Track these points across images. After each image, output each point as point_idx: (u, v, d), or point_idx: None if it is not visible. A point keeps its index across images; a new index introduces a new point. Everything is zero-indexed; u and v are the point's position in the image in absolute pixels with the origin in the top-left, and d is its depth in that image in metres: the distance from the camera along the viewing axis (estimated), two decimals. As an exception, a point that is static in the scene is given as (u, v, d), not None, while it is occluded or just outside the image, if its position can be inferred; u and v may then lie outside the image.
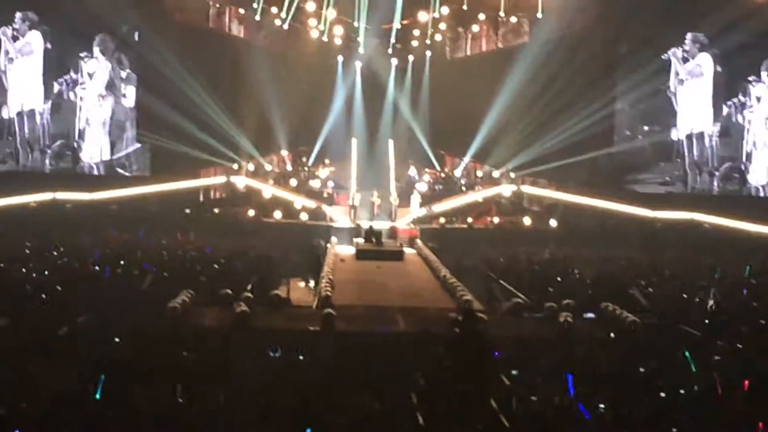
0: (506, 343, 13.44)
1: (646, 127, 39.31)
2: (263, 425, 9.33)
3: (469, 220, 37.83)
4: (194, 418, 9.39)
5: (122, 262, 22.89)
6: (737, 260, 26.91)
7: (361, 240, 33.80)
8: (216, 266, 23.52)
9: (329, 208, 38.74)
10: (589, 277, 23.37)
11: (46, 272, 20.37)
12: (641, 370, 11.90)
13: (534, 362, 12.35)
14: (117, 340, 12.91)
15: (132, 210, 35.12)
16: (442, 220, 37.86)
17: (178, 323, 14.87)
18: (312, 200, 39.11)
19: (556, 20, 39.54)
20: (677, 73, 38.06)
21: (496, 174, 43.14)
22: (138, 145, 39.03)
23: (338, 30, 44.14)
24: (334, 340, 14.41)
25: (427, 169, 46.84)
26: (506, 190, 40.73)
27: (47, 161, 37.84)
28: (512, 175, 41.90)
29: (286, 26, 43.13)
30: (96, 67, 38.11)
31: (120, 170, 38.93)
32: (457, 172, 46.28)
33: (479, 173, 45.14)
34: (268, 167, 43.99)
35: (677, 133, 38.45)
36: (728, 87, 37.67)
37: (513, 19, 43.42)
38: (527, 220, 37.99)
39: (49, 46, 37.02)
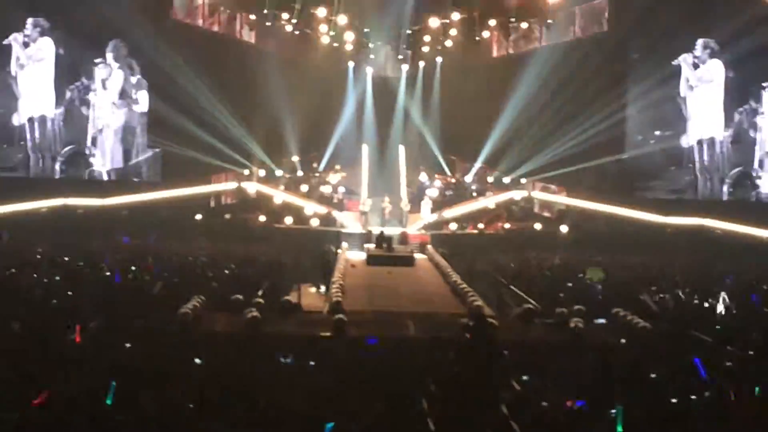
0: (517, 348, 13.42)
1: (657, 132, 39.25)
2: (273, 431, 9.34)
3: (480, 225, 37.83)
4: (204, 423, 9.39)
5: (133, 268, 22.95)
6: (748, 266, 26.85)
7: (371, 246, 33.82)
8: (227, 272, 23.57)
9: (340, 214, 38.78)
10: (599, 282, 23.34)
11: (57, 277, 20.39)
12: (652, 375, 11.87)
13: (545, 368, 12.32)
14: (128, 345, 12.92)
15: (143, 215, 35.21)
16: (453, 226, 37.85)
17: (189, 329, 14.87)
18: (323, 206, 39.15)
19: (567, 26, 39.57)
20: (688, 79, 38.03)
21: (506, 180, 43.11)
22: (150, 153, 39.05)
23: (349, 36, 44.15)
24: (345, 346, 14.40)
25: (437, 175, 46.78)
26: (517, 195, 40.72)
27: (58, 167, 37.88)
28: (523, 180, 41.88)
29: (296, 32, 43.18)
30: (109, 73, 38.18)
31: (134, 179, 38.95)
32: (468, 178, 46.20)
33: (490, 179, 45.05)
34: (278, 173, 43.96)
35: (688, 139, 38.41)
36: (740, 93, 37.63)
37: (524, 25, 43.42)
38: (538, 226, 37.96)
39: (61, 51, 37.08)
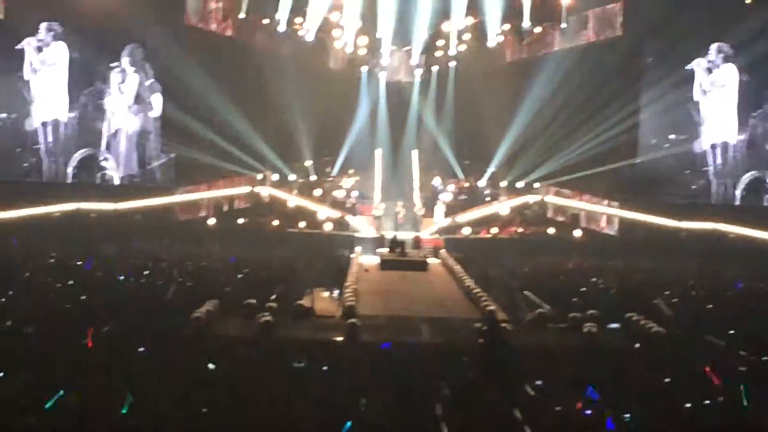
0: (530, 353, 13.40)
1: (672, 136, 39.13)
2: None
3: (494, 230, 37.82)
4: (218, 428, 9.40)
5: (146, 272, 22.99)
6: (762, 271, 26.75)
7: (385, 250, 33.83)
8: (240, 276, 23.58)
9: (353, 218, 38.81)
10: (613, 287, 23.29)
11: (71, 282, 20.42)
12: (666, 380, 11.83)
13: (558, 372, 12.29)
14: (141, 349, 12.92)
15: (156, 219, 35.26)
16: (466, 230, 37.83)
17: (202, 333, 14.87)
18: (336, 210, 39.18)
19: (580, 30, 39.56)
20: (701, 84, 37.94)
21: (520, 184, 43.08)
22: (164, 158, 39.06)
23: (362, 41, 44.19)
24: (358, 351, 14.38)
25: (451, 180, 46.75)
26: (531, 200, 40.70)
27: (71, 172, 37.89)
28: (536, 185, 41.84)
29: (310, 37, 43.24)
30: (124, 77, 38.21)
31: (149, 184, 38.91)
32: (482, 183, 46.15)
33: (503, 183, 45.02)
34: (292, 177, 43.97)
35: (701, 144, 38.30)
36: (754, 97, 37.50)
37: (537, 30, 43.41)
38: (551, 231, 37.90)
39: (75, 55, 37.07)
